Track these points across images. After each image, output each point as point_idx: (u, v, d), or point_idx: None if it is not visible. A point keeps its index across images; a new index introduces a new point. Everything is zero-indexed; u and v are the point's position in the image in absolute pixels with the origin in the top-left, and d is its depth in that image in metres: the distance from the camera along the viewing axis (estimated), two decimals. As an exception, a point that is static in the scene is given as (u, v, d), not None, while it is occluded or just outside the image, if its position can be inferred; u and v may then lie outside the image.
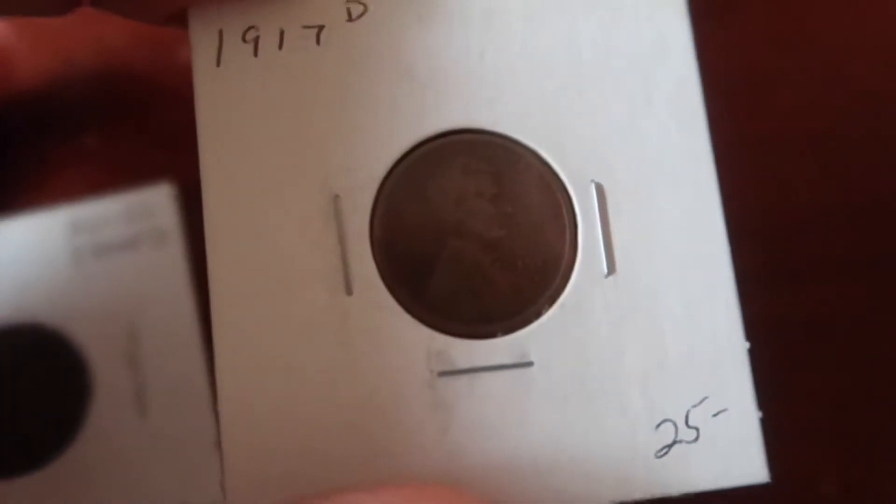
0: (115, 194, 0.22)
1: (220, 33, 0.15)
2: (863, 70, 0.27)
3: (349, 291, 0.14)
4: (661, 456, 0.14)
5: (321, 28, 0.15)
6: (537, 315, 0.15)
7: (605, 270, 0.15)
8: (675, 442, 0.14)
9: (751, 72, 0.26)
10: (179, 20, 0.15)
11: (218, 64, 0.15)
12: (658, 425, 0.14)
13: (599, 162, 0.15)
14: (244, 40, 0.15)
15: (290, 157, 0.15)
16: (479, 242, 0.15)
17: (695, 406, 0.14)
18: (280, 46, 0.15)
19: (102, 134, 0.24)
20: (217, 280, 0.14)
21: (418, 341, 0.14)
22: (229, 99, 0.15)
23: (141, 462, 0.20)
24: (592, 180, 0.15)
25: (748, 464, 0.14)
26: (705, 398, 0.14)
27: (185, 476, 0.20)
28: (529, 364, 0.14)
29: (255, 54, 0.15)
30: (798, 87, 0.26)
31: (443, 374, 0.14)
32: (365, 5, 0.15)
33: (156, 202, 0.22)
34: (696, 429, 0.14)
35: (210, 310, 0.14)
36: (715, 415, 0.14)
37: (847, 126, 0.26)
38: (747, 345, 0.15)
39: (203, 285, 0.22)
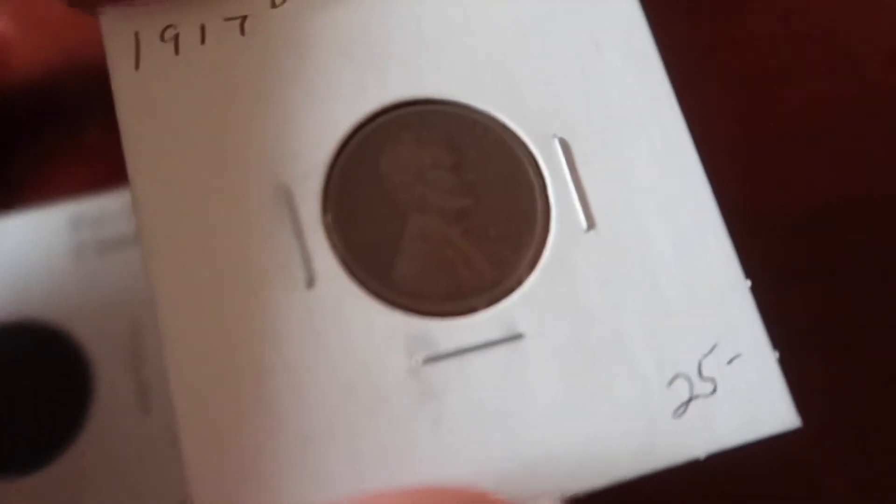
0: (117, 190, 0.22)
1: (136, 35, 0.14)
2: (872, 67, 0.26)
3: (310, 284, 0.13)
4: (680, 415, 0.13)
5: (244, 18, 0.14)
6: (519, 283, 0.14)
7: (585, 225, 0.14)
8: (691, 398, 0.13)
9: (760, 68, 0.26)
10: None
11: (137, 67, 0.14)
12: (670, 382, 0.13)
13: (558, 116, 0.14)
14: (163, 40, 0.14)
15: (228, 152, 0.14)
16: (443, 215, 0.14)
17: (706, 355, 0.13)
18: (202, 41, 0.14)
19: (104, 129, 0.23)
20: (164, 295, 0.13)
21: (393, 328, 0.13)
22: (154, 101, 0.14)
23: (144, 460, 0.20)
24: (555, 135, 0.14)
25: (775, 409, 0.13)
26: (715, 345, 0.13)
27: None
28: (520, 336, 0.13)
29: (177, 52, 0.14)
30: (808, 83, 0.26)
31: (426, 360, 0.13)
32: None
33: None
34: (712, 380, 0.13)
35: (159, 328, 0.13)
36: (729, 361, 0.13)
37: (856, 122, 0.26)
38: (748, 282, 0.14)
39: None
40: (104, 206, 0.22)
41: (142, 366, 0.21)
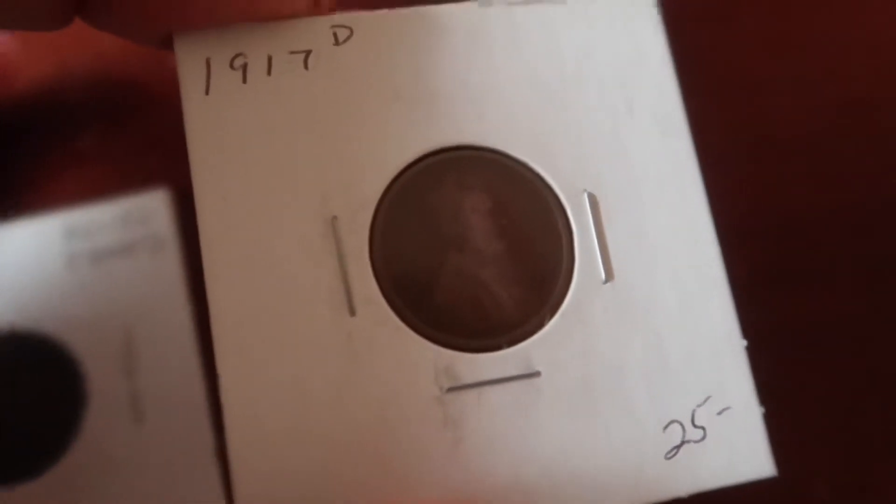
0: (111, 200, 0.22)
1: (208, 62, 0.15)
2: (858, 75, 0.27)
3: (352, 312, 0.14)
4: (671, 457, 0.14)
5: (308, 53, 0.15)
6: (540, 325, 0.15)
7: (603, 277, 0.15)
8: (683, 442, 0.14)
9: (747, 76, 0.26)
10: (166, 45, 0.15)
11: (207, 92, 0.15)
12: (665, 427, 0.14)
13: (588, 171, 0.15)
14: (232, 67, 0.15)
15: (285, 181, 0.15)
16: (478, 256, 0.15)
17: (699, 405, 0.15)
18: (269, 72, 0.15)
19: (99, 139, 0.24)
20: (218, 307, 0.14)
21: (424, 358, 0.14)
22: (220, 126, 0.15)
23: (137, 469, 0.20)
24: (585, 190, 0.15)
25: (754, 458, 0.15)
26: (709, 397, 0.15)
27: (181, 483, 0.20)
28: (536, 374, 0.14)
29: (244, 81, 0.15)
30: (793, 91, 0.26)
31: (451, 389, 0.14)
32: (351, 29, 0.15)
33: (152, 208, 0.22)
34: (703, 428, 0.14)
35: (211, 335, 0.14)
36: (720, 412, 0.15)
37: (842, 130, 0.26)
38: (744, 342, 0.15)
39: (199, 291, 0.22)
40: (98, 216, 0.22)
41: (135, 375, 0.21)
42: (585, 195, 0.15)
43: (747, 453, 0.15)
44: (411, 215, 0.15)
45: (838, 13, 0.27)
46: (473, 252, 0.15)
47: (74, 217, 0.22)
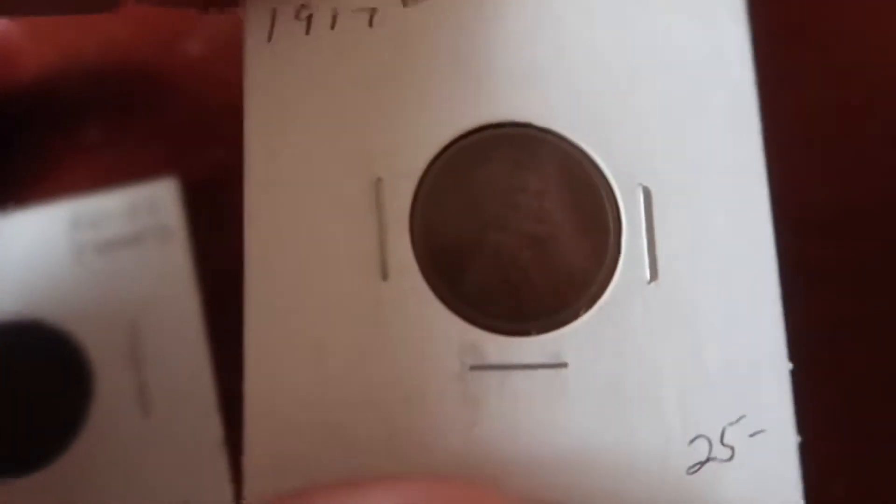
0: (118, 189, 0.22)
1: (274, 10, 0.15)
2: (878, 71, 0.26)
3: (385, 276, 0.14)
4: (693, 472, 0.14)
5: (374, 11, 0.15)
6: (575, 316, 0.14)
7: (648, 276, 0.14)
8: (708, 459, 0.14)
9: (763, 72, 0.26)
10: (224, 2, 0.15)
11: (269, 39, 0.15)
12: (692, 440, 0.14)
13: (648, 165, 0.15)
14: (297, 18, 0.15)
15: (335, 138, 0.14)
16: (520, 238, 0.15)
17: (731, 424, 0.14)
18: (332, 26, 0.15)
19: (105, 128, 0.24)
20: (252, 255, 0.14)
21: (451, 332, 0.14)
22: (278, 75, 0.15)
23: (144, 462, 0.20)
24: (640, 184, 0.15)
25: (783, 489, 0.14)
26: (743, 416, 0.14)
27: (189, 476, 0.20)
28: (563, 365, 0.14)
29: (307, 32, 0.15)
30: (811, 87, 0.26)
31: (474, 367, 0.14)
32: None
33: (159, 198, 0.22)
34: (732, 448, 0.14)
35: (244, 284, 0.14)
36: (752, 435, 0.14)
37: (861, 128, 0.26)
38: (790, 365, 0.14)
39: (207, 283, 0.21)
40: (104, 206, 0.22)
41: (142, 366, 0.21)
42: (640, 189, 0.15)
43: (776, 482, 0.14)
44: (457, 187, 0.15)
45: (862, 6, 0.27)
46: (515, 233, 0.15)
47: (81, 207, 0.22)
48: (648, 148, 0.15)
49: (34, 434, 0.20)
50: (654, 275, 0.14)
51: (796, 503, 0.14)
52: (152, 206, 0.22)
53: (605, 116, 0.15)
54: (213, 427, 0.20)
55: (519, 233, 0.15)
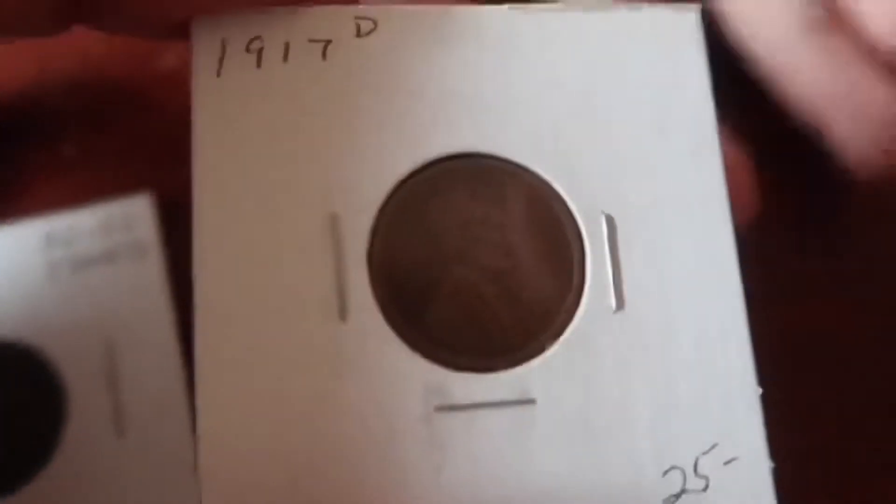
0: (93, 206, 0.22)
1: (223, 42, 0.14)
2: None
3: (343, 317, 0.13)
4: None
5: (328, 43, 0.15)
6: (541, 350, 0.14)
7: (614, 306, 0.14)
8: (682, 491, 0.14)
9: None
10: (179, 34, 0.15)
11: (219, 73, 0.14)
12: (666, 472, 0.14)
13: (610, 193, 0.15)
14: (248, 50, 0.14)
15: (289, 172, 0.14)
16: (483, 272, 0.14)
17: (704, 453, 0.14)
18: (285, 59, 0.14)
19: (80, 144, 0.23)
20: (204, 298, 0.13)
21: (414, 373, 0.13)
22: (228, 109, 0.14)
23: (118, 484, 0.20)
24: (603, 212, 0.14)
25: None
26: (715, 445, 0.14)
27: (165, 498, 0.20)
28: (531, 401, 0.14)
29: (259, 65, 0.14)
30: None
31: (439, 409, 0.13)
32: (375, 22, 0.15)
33: (134, 214, 0.22)
34: (706, 478, 0.14)
35: (193, 329, 0.13)
36: (726, 463, 0.14)
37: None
38: (760, 390, 0.14)
39: (183, 300, 0.21)
40: (79, 223, 0.21)
41: (117, 387, 0.20)
42: (603, 217, 0.14)
43: None
44: (416, 221, 0.14)
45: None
46: (477, 267, 0.14)
47: (54, 224, 0.21)
48: (610, 175, 0.15)
49: (6, 456, 0.20)
50: (620, 304, 0.14)
51: None
52: (127, 222, 0.21)
53: (564, 145, 0.15)
54: (189, 448, 0.20)
55: (481, 266, 0.14)
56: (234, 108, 0.14)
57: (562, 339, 0.14)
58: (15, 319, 0.21)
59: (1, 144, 0.23)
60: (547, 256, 0.14)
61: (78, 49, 0.24)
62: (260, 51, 0.14)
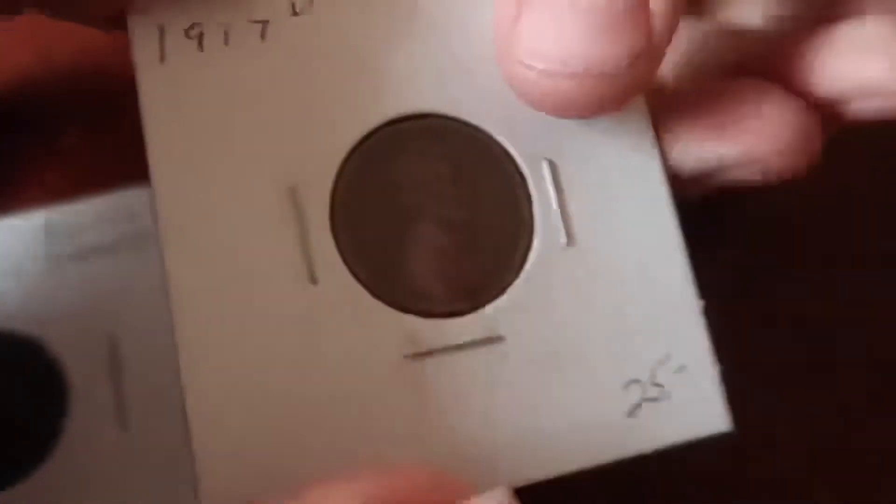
0: (94, 196, 0.21)
1: (162, 29, 0.15)
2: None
3: (313, 280, 0.14)
4: (632, 415, 0.15)
5: (266, 23, 0.15)
6: (503, 290, 0.15)
7: (565, 242, 0.15)
8: (643, 400, 0.15)
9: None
10: (122, 25, 0.15)
11: (161, 60, 0.15)
12: (626, 385, 0.15)
13: (549, 140, 0.16)
14: (187, 36, 0.15)
15: (243, 150, 0.15)
16: (441, 224, 0.15)
17: (658, 364, 0.15)
18: (226, 42, 0.15)
19: (80, 134, 0.23)
20: (177, 281, 0.14)
21: (387, 325, 0.14)
22: (176, 94, 0.15)
23: (121, 477, 0.20)
24: (545, 157, 0.16)
25: (711, 414, 0.15)
26: (667, 356, 0.15)
27: (167, 491, 0.19)
28: (500, 339, 0.15)
29: (200, 49, 0.15)
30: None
31: (415, 356, 0.14)
32: None
33: (136, 205, 0.21)
34: (661, 386, 0.15)
35: (171, 313, 0.14)
36: (677, 370, 0.15)
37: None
38: (701, 302, 0.16)
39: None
40: (79, 214, 0.21)
41: (119, 380, 0.20)
42: (545, 162, 0.16)
43: (704, 409, 0.15)
44: (373, 184, 0.15)
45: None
46: (435, 220, 0.15)
47: (55, 215, 0.21)
48: (548, 124, 0.16)
49: (8, 449, 0.20)
50: (570, 240, 0.15)
51: (724, 424, 0.15)
52: (129, 213, 0.21)
53: (503, 99, 0.15)
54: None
55: (439, 219, 0.15)
56: (181, 93, 0.15)
57: (521, 277, 0.15)
58: (15, 311, 0.21)
59: (2, 134, 0.23)
60: (498, 204, 0.15)
61: (78, 39, 0.23)
62: (200, 36, 0.15)
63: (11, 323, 0.20)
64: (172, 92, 0.14)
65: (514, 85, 0.15)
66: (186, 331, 0.14)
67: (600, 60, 0.14)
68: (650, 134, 0.16)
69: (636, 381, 0.15)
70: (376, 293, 0.14)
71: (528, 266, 0.15)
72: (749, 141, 0.16)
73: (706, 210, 0.19)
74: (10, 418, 0.20)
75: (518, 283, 0.15)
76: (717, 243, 0.23)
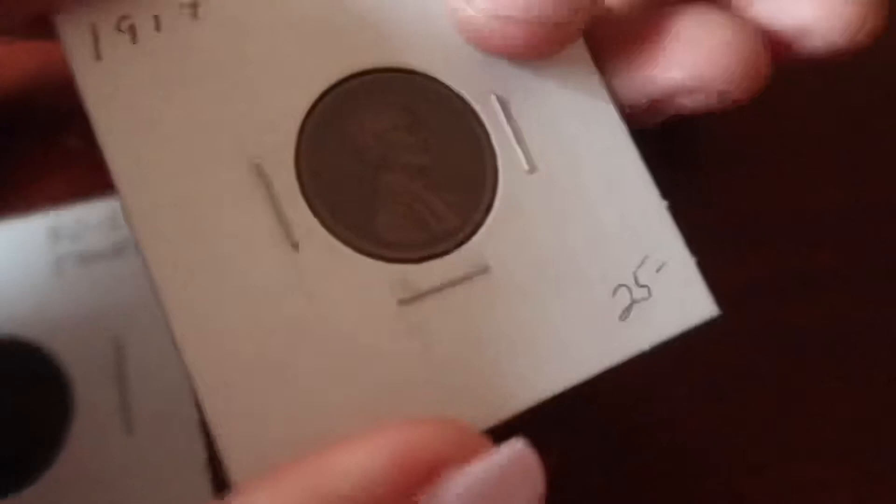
0: (98, 200, 0.21)
1: (93, 27, 0.14)
2: (883, 69, 0.26)
3: (296, 247, 0.14)
4: (625, 318, 0.16)
5: (195, 4, 0.15)
6: (480, 223, 0.15)
7: (527, 168, 0.16)
8: (632, 302, 0.16)
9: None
10: (41, 32, 0.14)
11: (98, 58, 0.14)
12: (614, 292, 0.16)
13: (496, 78, 0.16)
14: (119, 30, 0.15)
15: (200, 134, 0.14)
16: (408, 171, 0.15)
17: (639, 267, 0.16)
18: (158, 28, 0.15)
19: (85, 137, 0.23)
20: (163, 276, 0.14)
21: (377, 276, 0.15)
22: (120, 90, 0.14)
23: (127, 480, 0.20)
24: (493, 93, 0.16)
25: (697, 303, 0.16)
26: (646, 257, 0.16)
27: (173, 497, 0.19)
28: (486, 269, 0.15)
29: (134, 41, 0.15)
30: (814, 85, 0.26)
31: (409, 300, 0.15)
32: None
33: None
34: (647, 286, 0.16)
35: (163, 307, 0.14)
36: (658, 269, 0.16)
37: (865, 125, 0.25)
38: (665, 202, 0.16)
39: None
40: (84, 217, 0.21)
41: (125, 384, 0.20)
42: (494, 97, 0.16)
43: (690, 299, 0.16)
44: (333, 145, 0.15)
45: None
46: (402, 168, 0.16)
47: (60, 218, 0.21)
48: (491, 61, 0.16)
49: (12, 455, 0.20)
50: (532, 167, 0.16)
51: (711, 310, 0.16)
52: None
53: (445, 42, 0.16)
54: (197, 445, 0.20)
55: (405, 167, 0.15)
56: (125, 88, 0.14)
57: (494, 208, 0.16)
58: (21, 315, 0.20)
59: (5, 138, 0.23)
60: (458, 143, 0.16)
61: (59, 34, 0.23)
62: (131, 27, 0.15)
63: (16, 327, 0.20)
64: (116, 89, 0.14)
65: (461, 28, 0.16)
66: (183, 322, 0.14)
67: (545, 8, 0.15)
68: (589, 58, 0.17)
69: (622, 285, 0.16)
70: (359, 249, 0.15)
71: (498, 197, 0.16)
72: (692, 66, 0.16)
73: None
74: (15, 423, 0.20)
75: (493, 214, 0.16)
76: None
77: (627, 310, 0.16)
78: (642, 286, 0.16)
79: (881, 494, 0.22)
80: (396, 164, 0.15)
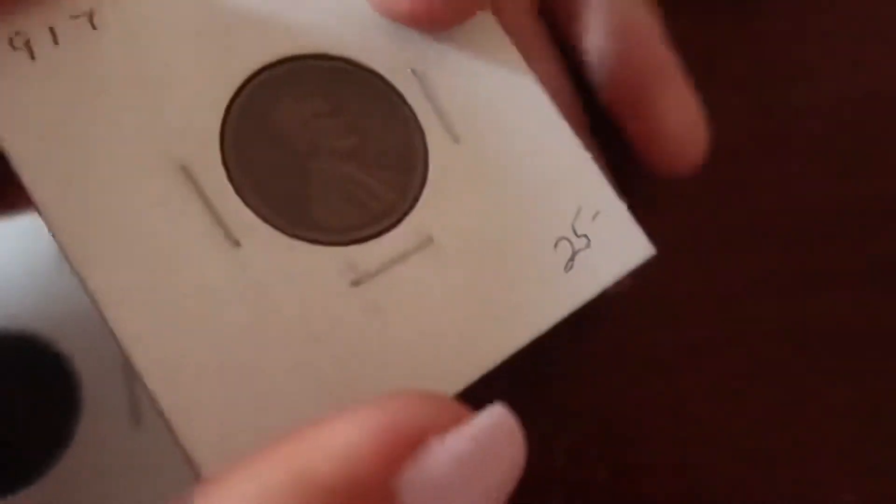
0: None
1: None
2: (882, 67, 0.26)
3: (236, 243, 0.14)
4: (569, 269, 0.16)
5: (91, 13, 0.15)
6: (417, 196, 0.16)
7: (452, 139, 0.16)
8: (574, 253, 0.16)
9: (767, 68, 0.26)
10: None
11: None
12: (555, 244, 0.16)
13: (408, 50, 0.16)
14: (13, 47, 0.14)
15: (120, 145, 0.14)
16: (337, 155, 0.16)
17: (576, 218, 0.16)
18: (55, 42, 0.14)
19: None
20: (105, 294, 0.13)
21: (323, 262, 0.15)
22: (27, 111, 0.14)
23: (135, 474, 0.20)
24: (409, 68, 0.16)
25: (635, 245, 0.16)
26: (580, 208, 0.16)
27: (182, 487, 0.19)
28: (430, 241, 0.15)
29: (32, 58, 0.14)
30: (815, 83, 0.26)
31: (360, 281, 0.15)
32: None
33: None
34: (585, 235, 0.16)
35: (110, 327, 0.13)
36: (593, 218, 0.16)
37: (866, 123, 0.25)
38: (589, 154, 0.17)
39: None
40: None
41: (132, 377, 0.20)
42: (410, 71, 0.16)
43: (628, 242, 0.16)
44: (259, 137, 0.15)
45: (860, 4, 0.26)
46: (331, 153, 0.16)
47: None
48: (404, 37, 0.16)
49: (20, 449, 0.20)
50: (455, 137, 0.16)
51: (648, 250, 0.16)
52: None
53: (353, 23, 0.16)
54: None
55: (334, 151, 0.16)
56: (30, 107, 0.14)
57: (428, 181, 0.16)
58: (28, 311, 0.21)
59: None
60: (384, 123, 0.16)
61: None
62: (27, 43, 0.14)
63: (23, 323, 0.20)
64: (22, 110, 0.14)
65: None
66: (132, 338, 0.13)
67: None
68: (499, 26, 0.17)
69: (562, 238, 0.16)
70: (301, 237, 0.15)
71: (430, 170, 0.16)
72: None
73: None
74: (23, 417, 0.20)
75: (428, 186, 0.16)
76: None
77: (571, 260, 0.16)
78: (581, 236, 0.16)
79: (887, 493, 0.22)
80: (324, 150, 0.15)
